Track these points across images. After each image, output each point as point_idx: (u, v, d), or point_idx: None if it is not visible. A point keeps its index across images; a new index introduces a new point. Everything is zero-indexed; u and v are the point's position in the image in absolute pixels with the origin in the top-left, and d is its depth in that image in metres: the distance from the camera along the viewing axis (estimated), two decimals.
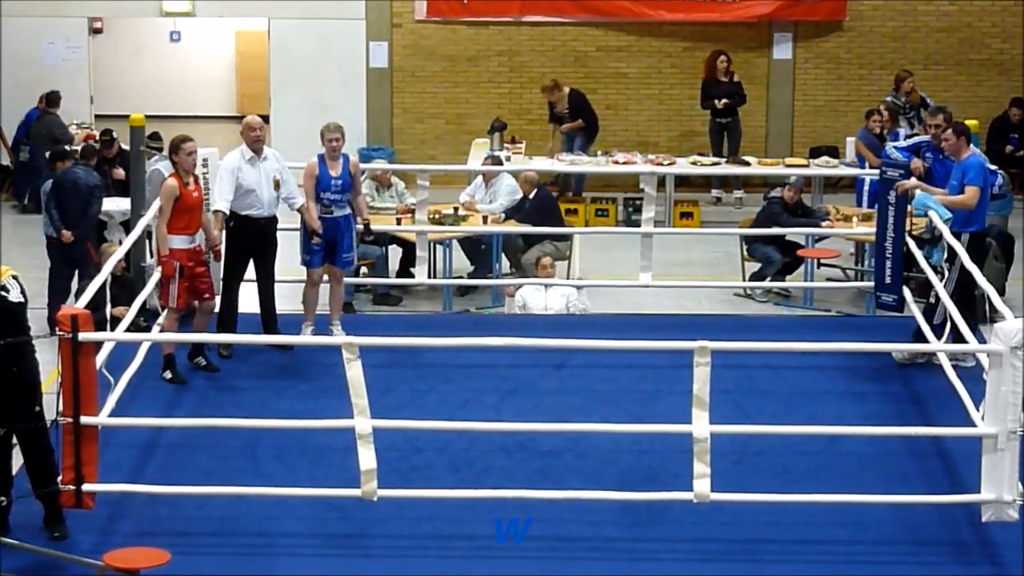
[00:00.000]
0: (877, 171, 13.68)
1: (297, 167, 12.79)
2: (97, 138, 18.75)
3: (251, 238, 12.33)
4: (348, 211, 12.65)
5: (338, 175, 12.52)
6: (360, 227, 12.96)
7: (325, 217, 12.54)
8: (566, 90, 20.45)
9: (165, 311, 12.24)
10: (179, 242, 11.77)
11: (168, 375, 11.87)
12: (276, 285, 12.87)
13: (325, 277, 13.00)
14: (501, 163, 17.88)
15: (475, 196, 16.98)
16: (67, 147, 16.88)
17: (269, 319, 12.62)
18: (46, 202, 15.11)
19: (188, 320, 12.20)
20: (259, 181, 12.36)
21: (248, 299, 12.72)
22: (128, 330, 11.57)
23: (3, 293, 9.31)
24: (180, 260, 11.73)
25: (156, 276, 12.59)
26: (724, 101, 20.27)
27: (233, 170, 12.25)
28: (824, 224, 16.10)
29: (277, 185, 12.48)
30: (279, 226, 12.76)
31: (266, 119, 21.67)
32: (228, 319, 12.35)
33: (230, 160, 12.34)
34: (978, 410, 9.66)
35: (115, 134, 17.59)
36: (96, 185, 15.03)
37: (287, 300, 13.61)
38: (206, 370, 12.08)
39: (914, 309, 12.98)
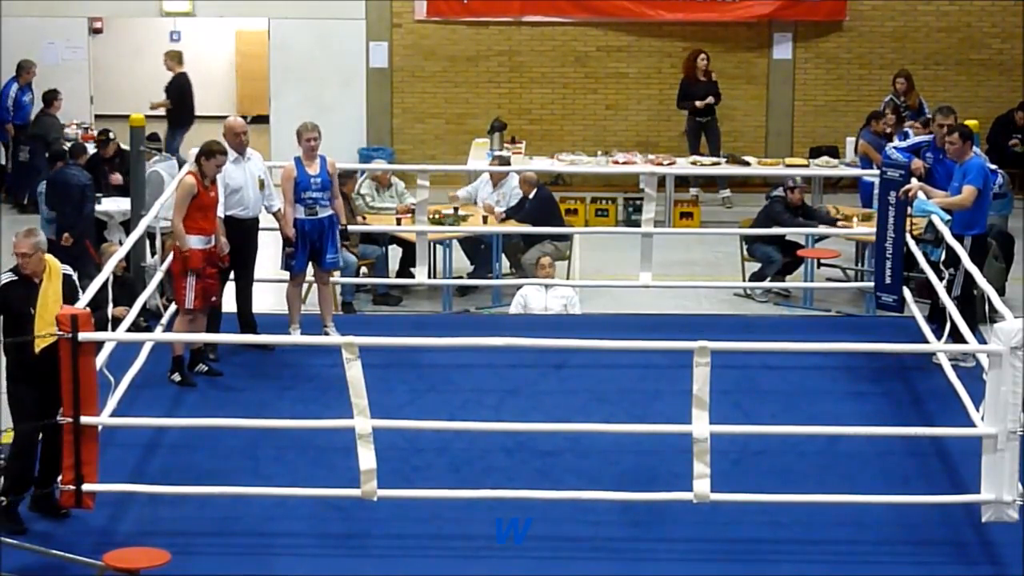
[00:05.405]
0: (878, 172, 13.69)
1: (282, 167, 12.80)
2: (94, 139, 18.74)
3: (235, 239, 12.27)
4: (331, 211, 12.63)
5: (316, 173, 12.50)
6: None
7: (310, 219, 12.53)
8: (180, 69, 20.58)
9: (170, 311, 12.26)
10: (196, 242, 11.74)
11: (177, 377, 11.86)
12: (264, 285, 12.83)
13: (310, 278, 13.02)
14: (510, 163, 17.90)
15: (478, 195, 16.99)
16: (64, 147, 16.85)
17: (246, 320, 12.60)
18: (40, 202, 15.14)
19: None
20: (245, 181, 12.36)
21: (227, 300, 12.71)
22: (129, 331, 11.57)
23: None
24: (197, 260, 11.72)
25: (157, 277, 12.59)
26: (709, 99, 20.27)
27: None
28: (839, 224, 16.11)
29: (262, 185, 12.49)
30: (266, 227, 12.77)
31: (266, 119, 21.90)
32: (213, 320, 12.32)
33: None
34: (978, 410, 9.67)
35: (112, 134, 17.54)
36: (87, 184, 15.04)
37: (276, 301, 13.61)
38: (209, 375, 12.07)
39: (914, 309, 12.99)
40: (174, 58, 20.80)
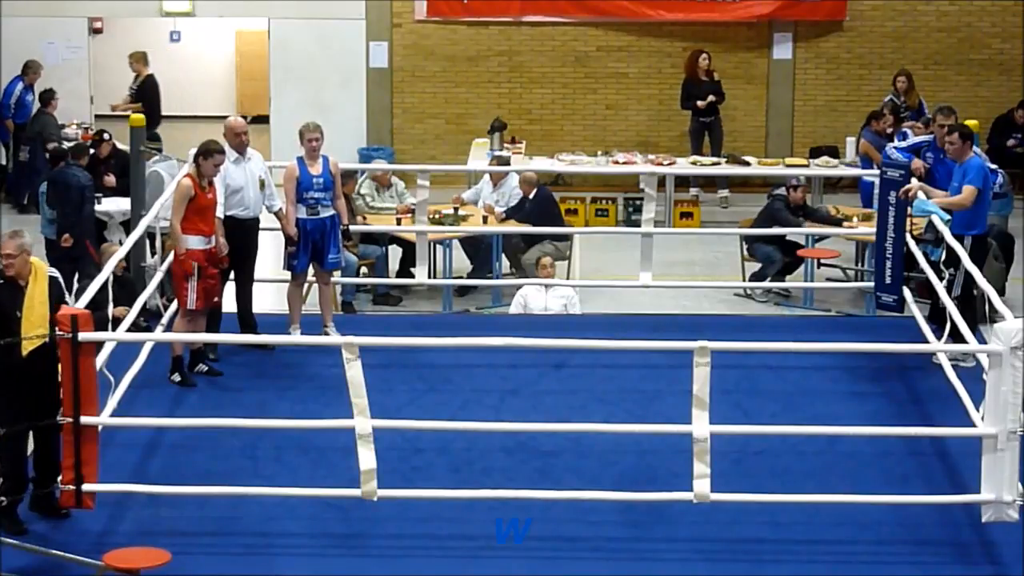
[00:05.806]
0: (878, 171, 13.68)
1: (282, 167, 12.80)
2: (90, 138, 18.71)
3: (235, 239, 12.27)
4: (333, 211, 12.64)
5: (319, 173, 12.51)
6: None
7: (312, 218, 12.53)
8: (147, 71, 20.60)
9: (170, 311, 12.26)
10: (195, 243, 11.74)
11: (177, 378, 11.86)
12: (265, 285, 12.81)
13: (311, 278, 13.02)
14: (509, 163, 17.89)
15: (482, 197, 16.98)
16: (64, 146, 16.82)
17: (246, 320, 12.60)
18: (41, 202, 15.13)
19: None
20: (245, 181, 12.37)
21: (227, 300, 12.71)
22: (129, 331, 11.56)
23: None
24: (197, 260, 11.71)
25: (157, 277, 12.59)
26: (711, 99, 20.27)
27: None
28: (846, 225, 16.09)
29: (262, 185, 12.50)
30: (267, 227, 12.76)
31: (266, 119, 21.89)
32: (213, 320, 12.33)
33: None
34: (978, 410, 9.67)
35: (107, 135, 17.50)
36: (87, 185, 15.04)
37: (276, 301, 13.60)
38: (209, 375, 12.07)
39: (914, 309, 12.98)
40: (140, 60, 20.82)
